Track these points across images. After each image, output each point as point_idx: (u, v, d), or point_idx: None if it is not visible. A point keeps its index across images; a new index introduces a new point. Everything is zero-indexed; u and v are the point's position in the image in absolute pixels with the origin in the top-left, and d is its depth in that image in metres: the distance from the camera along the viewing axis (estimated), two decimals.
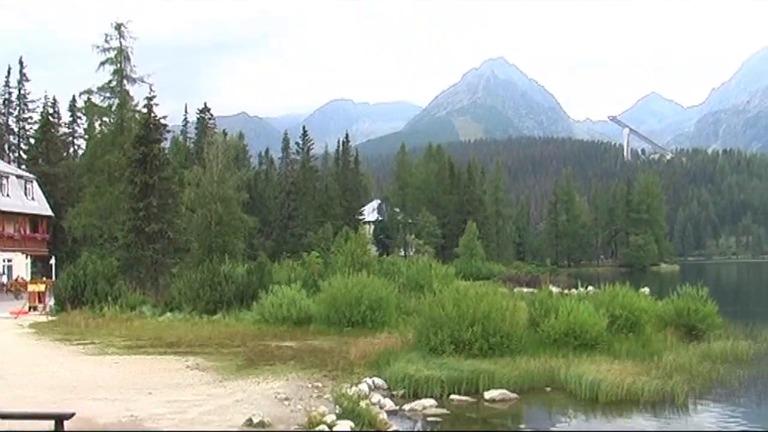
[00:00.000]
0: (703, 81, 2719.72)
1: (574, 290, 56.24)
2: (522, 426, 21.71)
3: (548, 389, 25.84)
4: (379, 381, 25.23)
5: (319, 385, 24.34)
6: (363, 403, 20.56)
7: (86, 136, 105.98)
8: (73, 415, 12.67)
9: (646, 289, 54.27)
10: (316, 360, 28.93)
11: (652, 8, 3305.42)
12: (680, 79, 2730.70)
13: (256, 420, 18.24)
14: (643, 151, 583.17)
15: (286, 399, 21.83)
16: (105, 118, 79.18)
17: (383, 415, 20.29)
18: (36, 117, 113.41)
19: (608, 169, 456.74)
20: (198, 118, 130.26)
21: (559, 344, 30.29)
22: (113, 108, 75.85)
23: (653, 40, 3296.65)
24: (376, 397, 22.85)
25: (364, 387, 23.67)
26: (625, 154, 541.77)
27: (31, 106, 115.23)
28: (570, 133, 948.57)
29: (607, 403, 23.68)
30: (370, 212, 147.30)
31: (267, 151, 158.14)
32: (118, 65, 74.33)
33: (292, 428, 18.40)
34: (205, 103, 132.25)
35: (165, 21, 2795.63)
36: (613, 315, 33.75)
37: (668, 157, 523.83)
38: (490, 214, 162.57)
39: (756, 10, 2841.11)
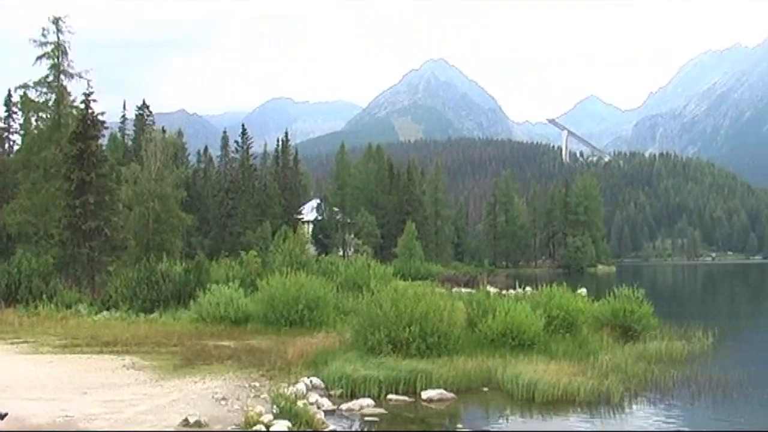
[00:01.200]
0: (641, 85, 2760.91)
1: (511, 291, 56.59)
2: (459, 426, 21.75)
3: (485, 389, 25.98)
4: (316, 381, 25.22)
5: (257, 384, 24.27)
6: (300, 403, 20.53)
7: (22, 132, 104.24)
8: (5, 415, 12.51)
9: (583, 290, 54.78)
10: (253, 359, 28.82)
11: (592, 12, 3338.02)
12: (618, 83, 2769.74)
13: (192, 420, 18.13)
14: (581, 153, 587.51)
15: (223, 399, 21.74)
16: (41, 114, 77.81)
17: (320, 415, 20.28)
18: None
19: (547, 170, 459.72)
20: (136, 115, 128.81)
21: (497, 344, 30.46)
22: (50, 103, 74.56)
23: (592, 43, 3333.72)
24: (313, 396, 22.83)
25: (301, 387, 23.65)
26: (563, 156, 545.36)
27: None
28: (509, 134, 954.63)
29: (544, 403, 23.86)
30: (309, 211, 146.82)
31: (206, 149, 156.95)
32: (56, 60, 73.06)
33: (228, 428, 18.33)
34: (143, 100, 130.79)
35: (105, 16, 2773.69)
36: (550, 315, 34.03)
37: (606, 159, 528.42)
38: (429, 215, 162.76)
39: (694, 16, 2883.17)
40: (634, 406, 24.20)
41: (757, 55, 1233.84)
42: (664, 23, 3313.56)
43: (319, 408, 21.60)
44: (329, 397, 23.59)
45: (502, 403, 24.45)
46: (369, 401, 23.11)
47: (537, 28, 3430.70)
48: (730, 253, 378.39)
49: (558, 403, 23.91)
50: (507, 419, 22.76)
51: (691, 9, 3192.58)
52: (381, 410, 22.57)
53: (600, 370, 27.81)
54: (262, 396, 22.34)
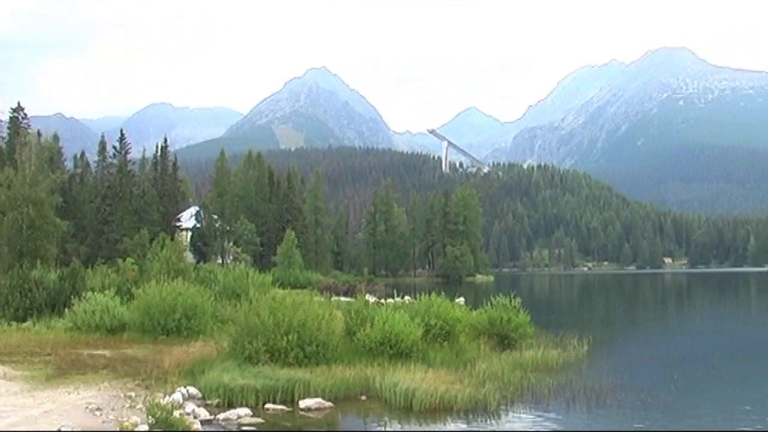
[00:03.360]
0: (520, 98, 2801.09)
1: (390, 300, 56.88)
2: None
3: (364, 398, 26.10)
4: (193, 390, 24.99)
5: (132, 394, 23.94)
6: (176, 413, 20.31)
7: None
8: None
9: (462, 300, 55.46)
10: (129, 369, 28.41)
11: (474, 24, 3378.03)
12: (498, 95, 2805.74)
13: (65, 431, 17.80)
14: (461, 164, 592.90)
15: (98, 409, 21.38)
16: None
17: (197, 425, 20.13)
18: None
19: (427, 180, 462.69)
20: (10, 118, 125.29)
21: (375, 353, 30.63)
22: None
23: (473, 55, 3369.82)
24: (190, 406, 22.62)
25: (178, 396, 23.40)
26: (443, 166, 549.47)
27: None
28: (390, 144, 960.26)
29: (422, 411, 24.08)
30: (187, 219, 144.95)
31: (83, 154, 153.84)
32: None
33: None
34: (18, 102, 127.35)
35: None
36: (429, 324, 34.35)
37: (485, 170, 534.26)
38: (309, 223, 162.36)
39: (573, 32, 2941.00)
40: (511, 413, 24.60)
41: (632, 71, 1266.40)
42: (544, 38, 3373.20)
43: (195, 418, 21.43)
44: (206, 406, 23.41)
45: (381, 411, 24.58)
46: (246, 411, 23.01)
47: (418, 39, 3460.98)
48: (605, 263, 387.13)
49: (436, 410, 24.15)
50: (385, 427, 22.86)
51: (570, 25, 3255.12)
52: (258, 420, 22.49)
53: (477, 378, 28.20)
54: (137, 406, 22.05)
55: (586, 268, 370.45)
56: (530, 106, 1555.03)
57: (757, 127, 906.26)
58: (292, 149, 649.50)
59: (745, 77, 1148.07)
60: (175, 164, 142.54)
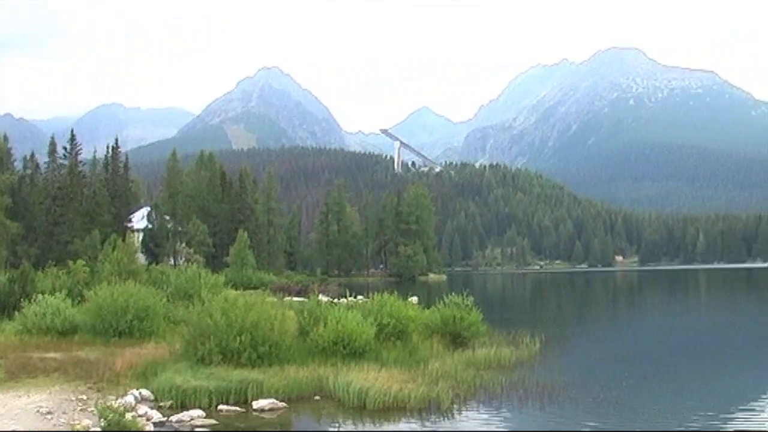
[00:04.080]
0: (472, 98, 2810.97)
1: (343, 299, 56.87)
2: None
3: (317, 397, 26.12)
4: (146, 392, 24.86)
5: (84, 397, 23.77)
6: (129, 416, 20.21)
7: None
8: None
9: (414, 299, 55.61)
10: (81, 372, 28.17)
11: (425, 24, 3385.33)
12: (450, 95, 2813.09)
13: None
14: (413, 163, 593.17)
15: (49, 413, 21.22)
16: None
17: (150, 427, 20.06)
18: None
19: (379, 180, 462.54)
20: None
21: (328, 353, 30.66)
22: None
23: (425, 55, 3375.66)
24: (142, 408, 22.52)
25: (130, 399, 23.28)
26: (395, 166, 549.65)
27: None
28: (342, 144, 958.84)
29: (375, 410, 24.14)
30: (139, 220, 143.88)
31: (32, 155, 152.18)
32: None
33: None
34: None
35: None
36: (381, 324, 34.41)
37: (437, 170, 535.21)
38: (261, 224, 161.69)
39: (524, 32, 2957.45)
40: (464, 412, 24.73)
41: (583, 70, 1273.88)
42: (496, 38, 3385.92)
43: (148, 420, 21.34)
44: (159, 408, 23.31)
45: (334, 411, 24.62)
46: (199, 412, 22.94)
47: (371, 38, 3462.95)
48: (557, 261, 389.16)
49: (389, 409, 24.22)
50: (338, 427, 22.88)
51: (521, 25, 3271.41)
52: (212, 421, 22.43)
53: (430, 376, 28.31)
54: (89, 409, 21.91)
55: (538, 267, 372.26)
56: (482, 105, 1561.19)
57: (706, 126, 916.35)
58: (245, 149, 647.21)
59: (694, 77, 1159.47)
60: (126, 165, 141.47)
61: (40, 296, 41.04)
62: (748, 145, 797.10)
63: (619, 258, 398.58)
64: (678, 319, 71.76)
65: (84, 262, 63.29)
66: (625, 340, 50.48)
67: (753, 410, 24.86)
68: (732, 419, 23.55)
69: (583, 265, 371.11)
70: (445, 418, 23.74)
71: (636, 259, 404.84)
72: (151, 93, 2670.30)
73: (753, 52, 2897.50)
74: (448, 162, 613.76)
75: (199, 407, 23.55)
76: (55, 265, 79.26)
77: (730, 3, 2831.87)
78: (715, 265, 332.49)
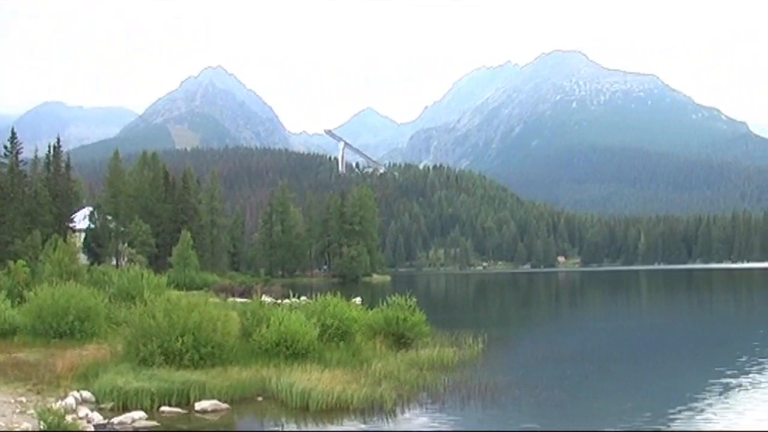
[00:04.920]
0: (416, 99, 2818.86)
1: (286, 300, 56.79)
2: None
3: (260, 399, 26.09)
4: (87, 394, 24.63)
5: (23, 400, 23.51)
6: (69, 418, 20.01)
7: None
8: None
9: (358, 299, 55.67)
10: (20, 373, 27.86)
11: (368, 25, 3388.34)
12: (394, 96, 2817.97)
13: None
14: (357, 164, 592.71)
15: None
16: None
17: (90, 429, 19.87)
18: None
19: (323, 181, 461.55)
20: None
21: (271, 354, 30.60)
22: None
23: (369, 56, 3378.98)
24: (83, 411, 22.32)
25: (70, 401, 23.04)
26: (339, 167, 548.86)
27: None
28: (287, 144, 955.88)
29: (318, 410, 24.16)
30: (81, 220, 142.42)
31: None
32: None
33: None
34: None
35: None
36: (325, 324, 34.42)
37: (381, 170, 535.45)
38: (204, 224, 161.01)
39: (468, 34, 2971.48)
40: (407, 412, 24.82)
41: (527, 73, 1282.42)
42: (440, 39, 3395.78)
43: (89, 422, 21.17)
44: (100, 410, 23.12)
45: (277, 412, 24.60)
46: (141, 414, 22.78)
47: (315, 39, 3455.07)
48: (500, 262, 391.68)
49: (332, 410, 24.26)
50: (281, 428, 22.86)
51: (466, 26, 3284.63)
52: (154, 423, 22.30)
53: (373, 377, 28.39)
54: (28, 412, 21.67)
55: (481, 268, 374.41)
56: (426, 107, 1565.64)
57: (647, 129, 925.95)
58: (188, 149, 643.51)
59: (636, 80, 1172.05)
60: (68, 164, 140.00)
61: None
62: (689, 148, 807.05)
63: (561, 259, 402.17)
64: (619, 319, 72.46)
65: (24, 263, 62.42)
66: (567, 341, 50.86)
67: (692, 410, 25.17)
68: (671, 419, 23.84)
69: (526, 266, 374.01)
70: (388, 419, 23.80)
71: (578, 260, 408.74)
72: (93, 92, 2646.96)
73: (693, 57, 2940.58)
74: (392, 163, 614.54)
75: (141, 409, 23.39)
76: None
77: (671, 9, 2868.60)
78: (656, 266, 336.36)
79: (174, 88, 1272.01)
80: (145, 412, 23.12)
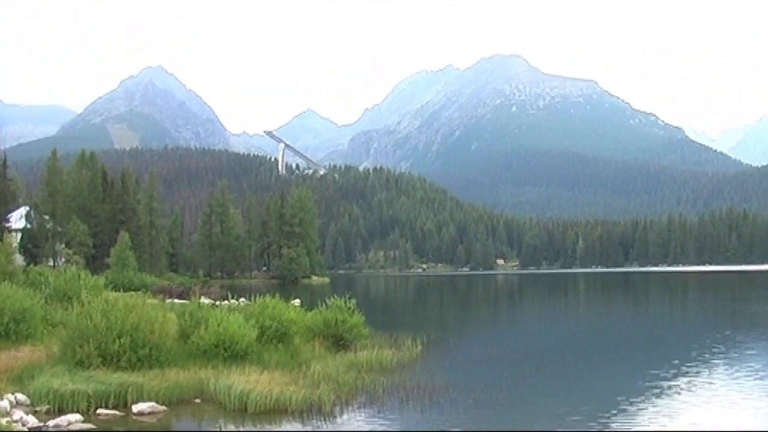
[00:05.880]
0: (356, 101, 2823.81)
1: (225, 302, 56.56)
2: None
3: (198, 401, 25.98)
4: (21, 397, 24.33)
5: None
6: (3, 421, 19.83)
7: None
8: None
9: (297, 301, 55.60)
10: None
11: (309, 26, 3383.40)
12: (335, 98, 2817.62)
13: None
14: (297, 166, 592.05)
15: None
16: None
17: None
18: None
19: (263, 182, 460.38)
20: None
21: (210, 355, 30.47)
22: None
23: (310, 58, 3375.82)
24: (17, 414, 22.06)
25: (4, 404, 22.77)
26: (279, 168, 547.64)
27: None
28: (227, 145, 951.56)
29: (257, 413, 24.14)
30: (17, 220, 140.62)
31: None
32: None
33: None
34: None
35: None
36: (263, 326, 34.34)
37: (321, 172, 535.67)
38: (143, 225, 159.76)
39: (409, 37, 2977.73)
40: (345, 414, 24.87)
41: (467, 76, 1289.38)
42: (382, 42, 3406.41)
43: (23, 425, 20.97)
44: (35, 413, 22.86)
45: (215, 414, 24.53)
46: (77, 417, 22.57)
47: (255, 39, 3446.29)
48: (439, 264, 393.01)
49: (271, 412, 24.24)
50: (220, 429, 22.78)
51: (407, 30, 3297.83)
52: (90, 426, 22.12)
53: (312, 379, 28.42)
54: None
55: (420, 270, 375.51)
56: (367, 109, 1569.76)
57: (586, 134, 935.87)
58: (127, 149, 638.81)
59: (575, 85, 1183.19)
60: (5, 163, 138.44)
61: None
62: (626, 153, 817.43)
63: (500, 261, 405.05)
64: (556, 321, 73.10)
65: None
66: (506, 343, 51.19)
67: (626, 412, 25.46)
68: (605, 420, 24.11)
69: (465, 269, 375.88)
70: (327, 420, 23.84)
71: (517, 262, 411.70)
72: (31, 90, 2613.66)
73: (632, 64, 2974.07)
74: (332, 165, 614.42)
75: (77, 411, 23.15)
76: None
77: (610, 16, 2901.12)
78: (594, 269, 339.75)
79: (113, 88, 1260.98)
80: (81, 414, 22.91)
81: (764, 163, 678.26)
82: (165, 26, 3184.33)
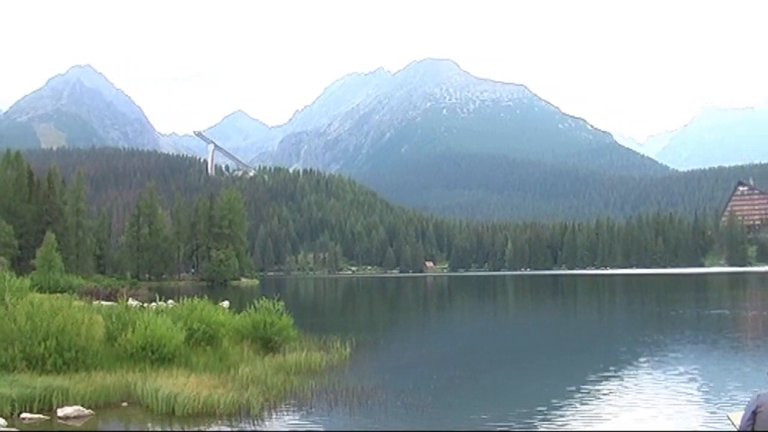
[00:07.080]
0: (287, 103, 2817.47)
1: (153, 304, 56.09)
2: None
3: (125, 404, 25.74)
4: None
5: None
6: None
7: None
8: None
9: (226, 303, 55.35)
10: None
11: (239, 26, 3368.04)
12: (265, 100, 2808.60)
13: None
14: (227, 167, 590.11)
15: None
16: None
17: None
18: None
19: (192, 183, 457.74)
20: None
21: (137, 358, 30.17)
22: None
23: (240, 58, 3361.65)
24: None
25: None
26: (209, 169, 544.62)
27: None
28: (156, 146, 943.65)
29: (184, 416, 23.98)
30: None
31: None
32: None
33: None
34: None
35: None
36: (191, 329, 34.07)
37: (251, 174, 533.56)
38: (70, 225, 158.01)
39: (340, 39, 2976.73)
40: (274, 417, 24.83)
41: (398, 80, 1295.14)
42: (313, 44, 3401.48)
43: None
44: None
45: (142, 417, 24.32)
46: (1, 421, 22.26)
47: (185, 38, 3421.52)
48: (369, 267, 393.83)
49: (198, 416, 24.11)
50: None
51: (338, 31, 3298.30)
52: (13, 430, 21.81)
53: (240, 382, 28.35)
54: None
55: (350, 272, 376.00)
56: (297, 110, 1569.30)
57: (515, 137, 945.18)
58: (54, 149, 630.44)
59: (505, 90, 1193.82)
60: None
61: None
62: (555, 157, 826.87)
63: (429, 264, 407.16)
64: (485, 323, 73.57)
65: None
66: (435, 344, 51.33)
67: (553, 413, 25.69)
68: (532, 422, 24.32)
69: (394, 271, 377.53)
70: (255, 423, 23.78)
71: (446, 265, 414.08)
72: None
73: (562, 68, 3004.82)
74: (262, 166, 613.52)
75: (1, 416, 22.85)
76: None
77: (542, 21, 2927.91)
78: (522, 272, 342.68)
79: (40, 86, 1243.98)
80: (5, 419, 22.59)
81: (690, 168, 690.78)
82: (94, 24, 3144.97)
